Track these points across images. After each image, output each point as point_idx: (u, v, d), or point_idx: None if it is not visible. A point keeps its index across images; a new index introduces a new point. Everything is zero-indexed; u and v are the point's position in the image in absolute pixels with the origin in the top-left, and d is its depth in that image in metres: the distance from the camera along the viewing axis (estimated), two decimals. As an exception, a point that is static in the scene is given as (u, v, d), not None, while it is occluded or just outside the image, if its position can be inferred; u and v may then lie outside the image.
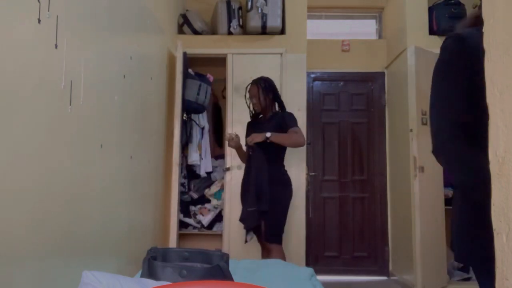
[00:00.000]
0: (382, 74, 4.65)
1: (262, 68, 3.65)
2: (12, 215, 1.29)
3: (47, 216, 1.50)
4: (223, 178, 3.92)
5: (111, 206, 2.17)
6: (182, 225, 3.96)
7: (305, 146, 3.27)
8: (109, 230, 2.14)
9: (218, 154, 4.27)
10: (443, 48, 1.24)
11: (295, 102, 3.69)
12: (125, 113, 2.39)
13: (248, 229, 2.99)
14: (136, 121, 2.62)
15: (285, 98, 3.38)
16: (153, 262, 1.43)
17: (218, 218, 4.02)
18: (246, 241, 3.02)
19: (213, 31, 4.12)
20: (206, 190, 4.14)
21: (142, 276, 1.45)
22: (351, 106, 4.67)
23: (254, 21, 3.80)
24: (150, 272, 1.42)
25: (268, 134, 2.87)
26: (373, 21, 4.99)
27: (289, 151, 3.12)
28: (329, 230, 4.52)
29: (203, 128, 4.00)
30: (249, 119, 3.29)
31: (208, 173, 4.12)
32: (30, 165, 1.38)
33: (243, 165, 3.21)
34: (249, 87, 3.18)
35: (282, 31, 3.96)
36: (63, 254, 1.62)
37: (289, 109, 3.18)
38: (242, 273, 1.93)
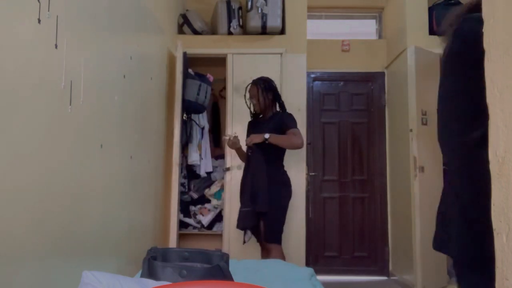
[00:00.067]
0: (382, 74, 4.65)
1: (262, 68, 3.65)
2: (12, 215, 1.29)
3: (47, 216, 1.50)
4: (223, 178, 3.92)
5: (111, 206, 2.17)
6: (182, 225, 3.96)
7: (305, 146, 3.27)
8: (109, 230, 2.14)
9: (218, 154, 4.28)
10: (463, 32, 1.16)
11: (295, 102, 3.69)
12: (125, 113, 2.39)
13: (241, 229, 3.00)
14: (136, 121, 2.62)
15: (285, 98, 3.38)
16: (153, 262, 1.43)
17: (218, 218, 4.03)
18: (244, 242, 3.02)
19: (213, 31, 4.12)
20: (206, 190, 4.14)
21: (142, 276, 1.45)
22: (351, 106, 4.67)
23: (254, 21, 3.80)
24: (150, 272, 1.42)
25: (267, 135, 2.88)
26: (373, 21, 4.99)
27: (288, 151, 3.12)
28: (329, 230, 4.52)
29: (203, 128, 4.00)
30: (249, 119, 3.29)
31: (208, 173, 4.12)
32: (30, 165, 1.38)
33: (243, 165, 3.21)
34: (249, 87, 3.18)
35: (282, 31, 3.96)
36: (63, 254, 1.62)
37: (289, 109, 3.18)
38: (242, 273, 1.92)
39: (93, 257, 1.92)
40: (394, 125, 4.41)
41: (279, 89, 3.28)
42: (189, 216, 4.08)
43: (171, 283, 1.26)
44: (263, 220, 2.91)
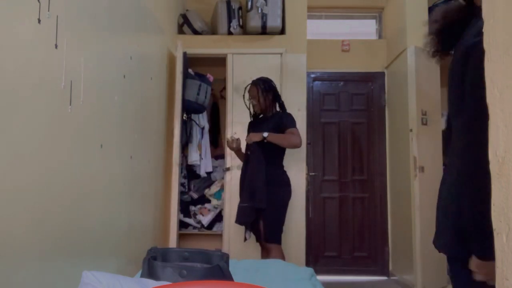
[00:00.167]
0: (382, 74, 4.65)
1: (262, 68, 3.65)
2: (12, 215, 1.29)
3: (47, 216, 1.50)
4: (223, 178, 3.92)
5: (111, 206, 2.17)
6: (182, 225, 3.96)
7: (305, 146, 3.27)
8: (109, 230, 2.14)
9: (218, 154, 4.28)
10: None
11: (295, 102, 3.69)
12: (125, 113, 2.39)
13: (240, 224, 3.01)
14: (136, 121, 2.62)
15: (285, 98, 3.38)
16: (153, 262, 1.43)
17: (218, 218, 4.03)
18: (245, 239, 3.02)
19: (213, 31, 4.12)
20: (206, 190, 4.14)
21: (142, 276, 1.45)
22: (351, 106, 4.67)
23: (254, 21, 3.80)
24: (150, 272, 1.42)
25: (265, 134, 2.89)
26: (373, 21, 4.99)
27: (289, 151, 3.12)
28: (329, 230, 4.52)
29: (203, 128, 4.00)
30: (249, 119, 3.29)
31: (208, 173, 4.12)
32: (30, 165, 1.38)
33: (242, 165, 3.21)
34: (248, 88, 3.18)
35: (282, 31, 3.96)
36: (63, 254, 1.62)
37: (289, 109, 3.18)
38: (242, 273, 1.93)
39: (93, 257, 1.92)
40: (394, 125, 4.41)
41: (279, 89, 3.28)
42: (189, 216, 4.08)
43: (171, 283, 1.26)
44: (262, 220, 2.91)
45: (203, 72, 3.83)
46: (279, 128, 2.97)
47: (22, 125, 1.34)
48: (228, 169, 3.78)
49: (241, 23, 3.96)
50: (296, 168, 3.62)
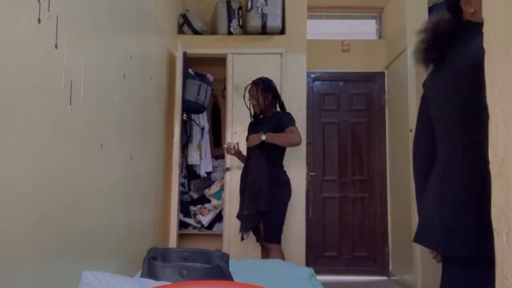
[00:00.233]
0: (382, 74, 4.65)
1: (262, 68, 3.65)
2: (13, 215, 1.29)
3: (47, 216, 1.50)
4: (223, 178, 3.92)
5: (111, 206, 2.17)
6: (182, 225, 3.96)
7: (305, 146, 3.27)
8: (109, 230, 2.14)
9: (218, 154, 4.28)
10: None
11: (295, 102, 3.69)
12: (125, 113, 2.39)
13: (245, 232, 3.00)
14: (136, 121, 2.62)
15: (285, 98, 3.38)
16: (153, 262, 1.43)
17: (218, 218, 4.03)
18: (242, 239, 3.02)
19: (213, 31, 4.12)
20: (206, 190, 4.14)
21: (142, 276, 1.45)
22: (351, 106, 4.67)
23: (254, 21, 3.80)
24: (150, 272, 1.42)
25: (263, 137, 2.89)
26: (373, 21, 4.99)
27: (289, 151, 3.12)
28: (329, 230, 4.52)
29: (203, 128, 4.00)
30: (249, 120, 3.29)
31: (208, 173, 4.12)
32: (30, 165, 1.38)
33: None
34: (248, 88, 3.18)
35: (282, 31, 3.96)
36: (63, 254, 1.62)
37: (289, 109, 3.18)
38: (242, 273, 1.92)
39: (93, 257, 1.92)
40: (394, 125, 4.41)
41: (279, 89, 3.28)
42: (189, 216, 4.08)
43: (171, 283, 1.26)
44: (262, 220, 2.91)
45: (203, 72, 3.83)
46: (278, 128, 2.97)
47: (22, 125, 1.34)
48: (228, 169, 3.78)
49: (241, 23, 3.96)
50: (296, 168, 3.62)
